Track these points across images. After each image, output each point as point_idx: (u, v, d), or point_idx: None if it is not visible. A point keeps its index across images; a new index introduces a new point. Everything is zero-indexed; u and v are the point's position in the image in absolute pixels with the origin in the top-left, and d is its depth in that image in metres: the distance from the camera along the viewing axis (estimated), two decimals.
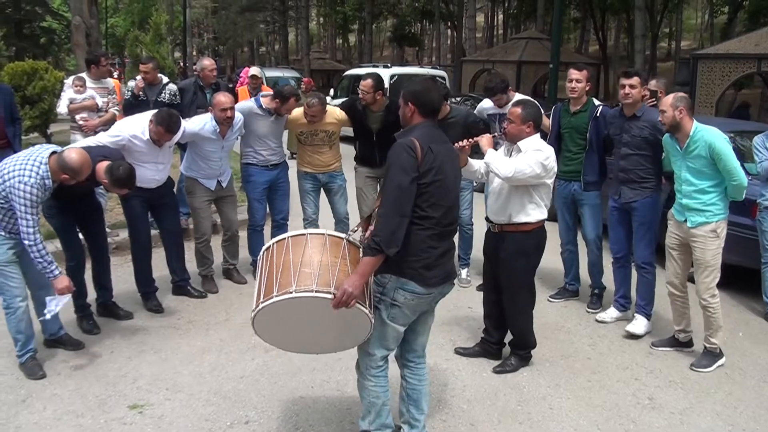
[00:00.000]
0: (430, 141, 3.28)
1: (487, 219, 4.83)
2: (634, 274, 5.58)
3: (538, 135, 4.57)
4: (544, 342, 5.20)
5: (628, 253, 5.63)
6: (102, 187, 4.92)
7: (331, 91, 18.76)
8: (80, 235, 5.29)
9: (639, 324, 5.43)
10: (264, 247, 3.48)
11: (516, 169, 4.37)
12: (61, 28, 35.77)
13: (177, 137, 5.52)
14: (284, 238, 3.39)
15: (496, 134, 4.85)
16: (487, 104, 6.59)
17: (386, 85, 6.58)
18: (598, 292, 6.02)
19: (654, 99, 5.64)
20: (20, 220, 4.22)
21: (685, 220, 4.83)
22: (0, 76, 11.33)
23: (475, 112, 6.65)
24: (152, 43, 19.89)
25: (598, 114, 5.66)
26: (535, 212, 4.54)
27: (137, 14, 41.73)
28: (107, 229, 6.31)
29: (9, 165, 4.27)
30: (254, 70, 10.65)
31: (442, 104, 3.56)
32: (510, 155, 4.60)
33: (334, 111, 6.44)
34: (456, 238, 3.67)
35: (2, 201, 4.27)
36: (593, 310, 5.90)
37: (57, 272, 4.36)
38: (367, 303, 3.26)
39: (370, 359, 3.47)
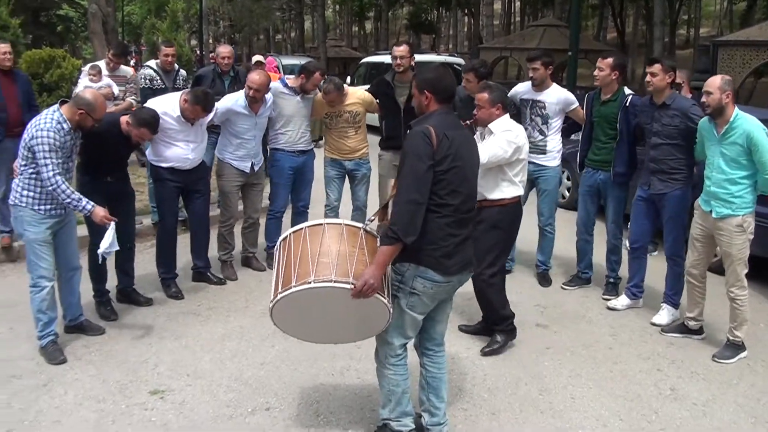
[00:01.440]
0: (446, 128, 3.26)
1: None
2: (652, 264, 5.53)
3: (507, 115, 4.73)
4: (565, 331, 5.19)
5: (646, 244, 5.60)
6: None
7: (348, 79, 18.69)
8: None
9: (664, 314, 5.41)
10: (281, 237, 3.47)
11: (490, 153, 4.55)
12: (77, 16, 35.84)
13: (210, 116, 5.65)
14: (301, 228, 3.38)
15: (468, 121, 4.83)
16: (521, 88, 6.32)
17: None
18: (613, 280, 5.99)
19: (677, 92, 5.56)
20: (42, 168, 4.30)
21: (711, 211, 4.76)
22: (18, 64, 11.35)
23: (509, 95, 6.54)
24: (169, 31, 19.84)
25: (627, 103, 5.56)
26: (509, 189, 4.71)
27: (154, 2, 41.63)
28: None
29: (28, 129, 4.39)
30: (257, 57, 11.21)
31: (455, 89, 3.55)
32: (483, 138, 4.71)
33: (356, 91, 6.45)
34: None
35: (35, 173, 4.37)
36: (609, 297, 5.86)
37: (90, 206, 4.48)
38: (386, 292, 3.25)
39: (389, 348, 3.46)
